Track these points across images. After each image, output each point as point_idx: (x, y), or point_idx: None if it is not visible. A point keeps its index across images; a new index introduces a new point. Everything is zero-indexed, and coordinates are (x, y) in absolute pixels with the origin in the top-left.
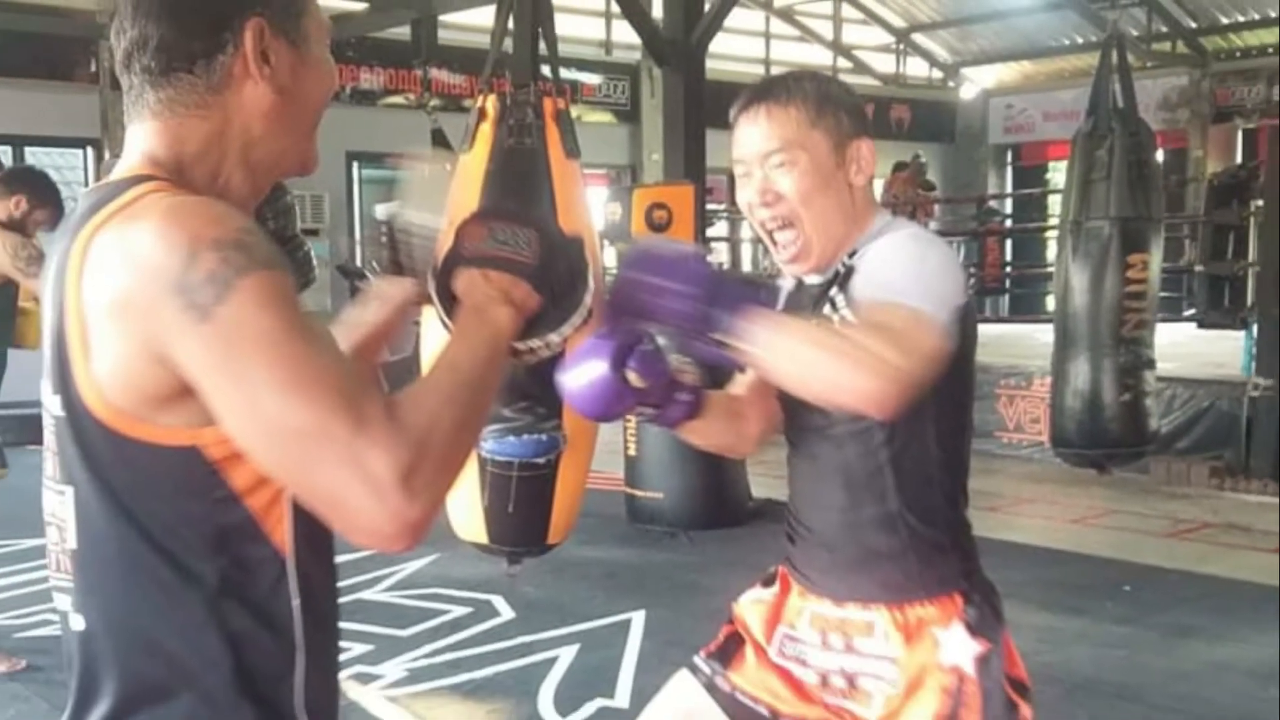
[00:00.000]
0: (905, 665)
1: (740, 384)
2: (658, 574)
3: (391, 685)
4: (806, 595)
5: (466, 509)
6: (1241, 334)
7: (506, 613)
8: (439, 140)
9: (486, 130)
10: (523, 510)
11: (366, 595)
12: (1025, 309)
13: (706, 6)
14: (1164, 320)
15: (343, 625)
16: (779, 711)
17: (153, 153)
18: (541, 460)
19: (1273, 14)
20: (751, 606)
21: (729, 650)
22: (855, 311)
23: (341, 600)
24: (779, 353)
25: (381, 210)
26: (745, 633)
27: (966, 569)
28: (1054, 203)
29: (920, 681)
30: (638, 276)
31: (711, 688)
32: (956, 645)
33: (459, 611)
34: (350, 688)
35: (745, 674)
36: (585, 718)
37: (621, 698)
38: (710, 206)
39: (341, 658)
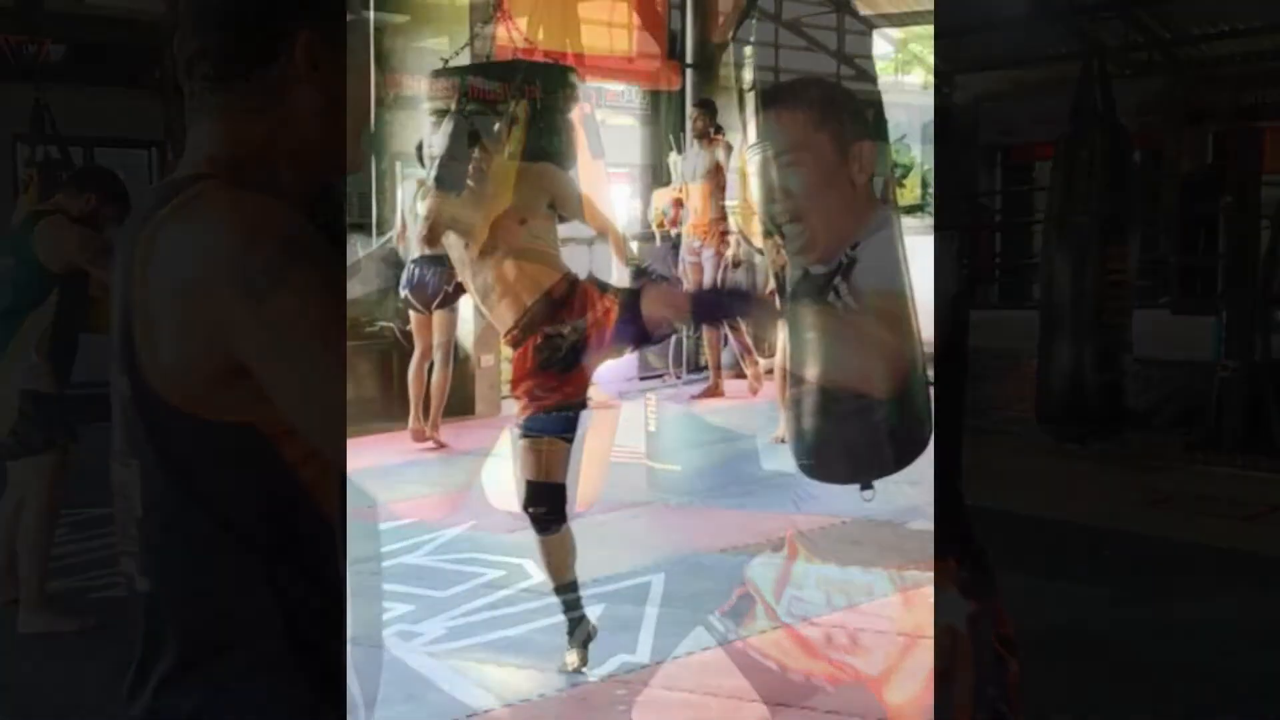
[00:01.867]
0: (903, 623)
1: (752, 366)
2: (675, 539)
3: (432, 642)
4: (813, 559)
5: (500, 480)
6: (1211, 320)
7: (537, 575)
8: (475, 142)
9: (519, 133)
10: (552, 481)
11: (408, 559)
12: (1014, 296)
13: (720, 19)
14: (1140, 307)
15: (386, 587)
16: (787, 666)
17: (212, 153)
18: (569, 435)
19: (1241, 27)
20: (763, 569)
21: (742, 610)
22: (857, 299)
23: (385, 564)
24: (788, 338)
25: (423, 206)
26: (756, 594)
27: (960, 534)
28: (1040, 199)
29: (917, 639)
30: (663, 272)
31: (725, 644)
32: (951, 605)
33: (493, 574)
34: (393, 644)
35: (756, 631)
36: (609, 671)
37: (642, 653)
38: (724, 202)
39: (385, 617)
